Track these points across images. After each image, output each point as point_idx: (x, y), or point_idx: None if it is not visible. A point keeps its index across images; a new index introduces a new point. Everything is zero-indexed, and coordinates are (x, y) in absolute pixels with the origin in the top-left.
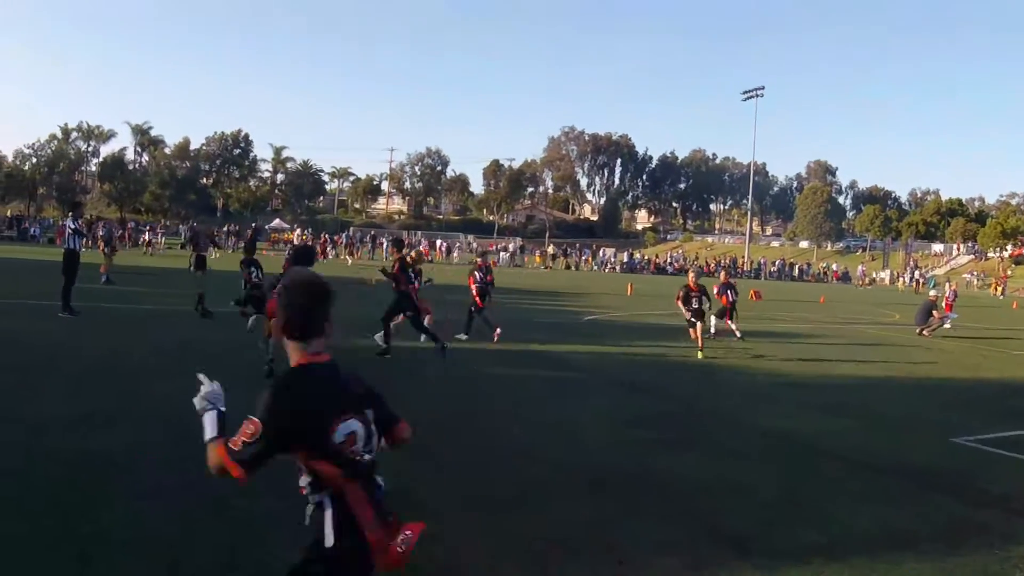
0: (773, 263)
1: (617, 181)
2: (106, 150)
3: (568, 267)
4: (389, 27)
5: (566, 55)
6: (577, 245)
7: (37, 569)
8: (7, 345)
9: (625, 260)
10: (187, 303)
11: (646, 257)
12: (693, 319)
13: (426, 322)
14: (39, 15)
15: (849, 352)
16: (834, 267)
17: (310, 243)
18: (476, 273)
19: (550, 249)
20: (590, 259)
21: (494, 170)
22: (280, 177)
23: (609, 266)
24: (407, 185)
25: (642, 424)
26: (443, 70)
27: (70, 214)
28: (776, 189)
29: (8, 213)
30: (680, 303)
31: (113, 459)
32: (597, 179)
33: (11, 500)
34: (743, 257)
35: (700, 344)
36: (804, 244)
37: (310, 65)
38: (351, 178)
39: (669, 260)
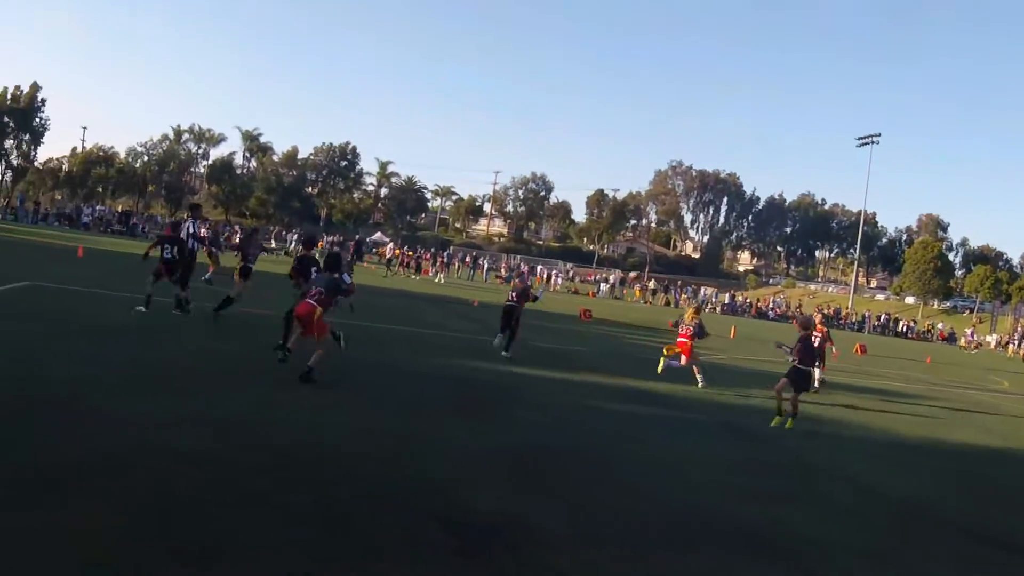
0: (877, 317)
1: (722, 220)
2: (216, 153)
3: (667, 303)
4: (503, 53)
5: (679, 89)
6: (679, 282)
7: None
8: (120, 336)
9: (726, 301)
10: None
11: (748, 300)
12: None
13: None
14: (154, 17)
15: (962, 417)
16: (940, 326)
17: (336, 249)
18: (512, 293)
19: (651, 284)
20: (690, 297)
21: (598, 199)
22: (384, 191)
23: (709, 306)
24: (509, 208)
25: (747, 471)
26: (553, 97)
27: (189, 217)
28: (884, 240)
29: (119, 208)
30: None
31: (212, 460)
32: (701, 216)
33: (113, 494)
34: (847, 308)
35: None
36: (910, 300)
37: (421, 83)
38: (454, 197)
39: (771, 305)
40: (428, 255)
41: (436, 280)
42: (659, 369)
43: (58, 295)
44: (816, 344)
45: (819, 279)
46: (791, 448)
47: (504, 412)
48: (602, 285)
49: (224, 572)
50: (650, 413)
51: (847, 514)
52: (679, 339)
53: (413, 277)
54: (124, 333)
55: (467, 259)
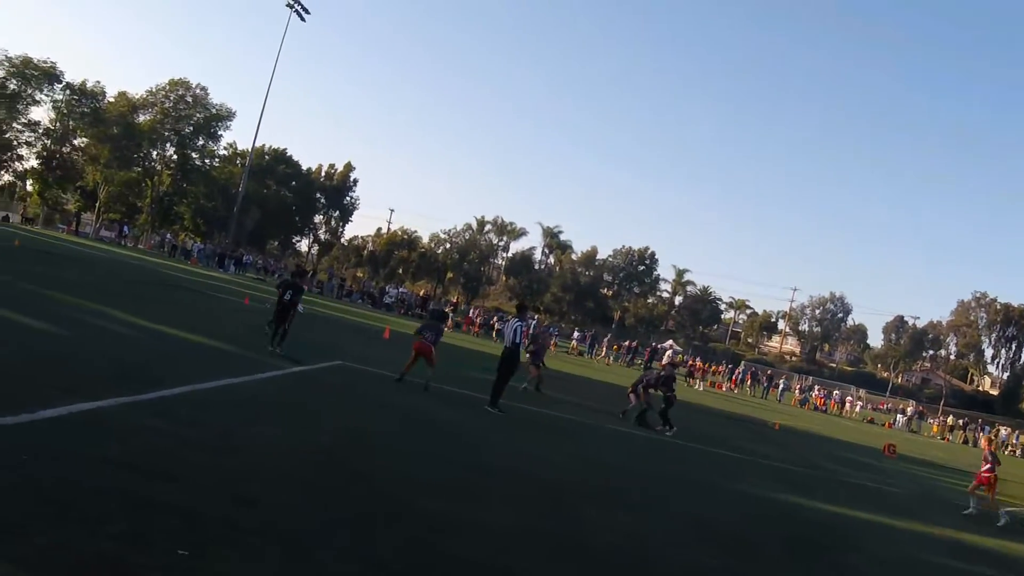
0: None
1: None
2: (516, 246)
3: (966, 441)
4: (805, 165)
5: (987, 218)
6: (979, 420)
7: None
8: (424, 427)
9: None
10: (605, 418)
11: None
12: None
13: None
14: (460, 116)
15: None
16: None
17: (446, 309)
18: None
19: (949, 420)
20: (991, 437)
21: (896, 326)
22: (678, 299)
23: (1009, 449)
24: (804, 327)
25: None
26: (856, 216)
27: (517, 317)
28: None
29: (421, 293)
30: None
31: None
32: (1003, 351)
33: None
34: None
35: None
36: None
37: (720, 195)
38: (748, 311)
39: None
40: (723, 369)
41: (733, 393)
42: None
43: (365, 377)
44: None
45: None
46: None
47: (841, 562)
48: (899, 416)
49: None
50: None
51: None
52: (982, 473)
53: (697, 387)
54: (452, 431)
55: (762, 377)
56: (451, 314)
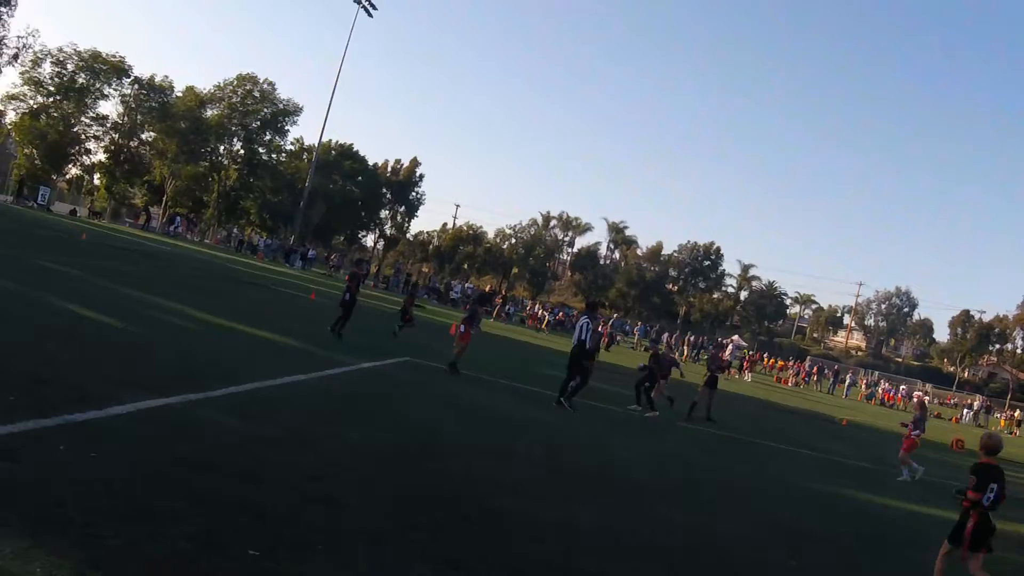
0: None
1: None
2: (581, 242)
3: None
4: (869, 167)
5: None
6: None
7: None
8: (500, 425)
9: None
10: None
11: None
12: None
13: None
14: (530, 112)
15: None
16: None
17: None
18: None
19: (1016, 413)
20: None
21: (962, 320)
22: (744, 294)
23: None
24: (870, 322)
25: None
26: (923, 210)
27: (585, 314)
28: None
29: (487, 288)
30: None
31: None
32: None
33: None
34: None
35: None
36: None
37: (783, 189)
38: (813, 306)
39: None
40: (789, 364)
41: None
42: None
43: (433, 373)
44: None
45: None
46: None
47: (915, 559)
48: (965, 411)
49: None
50: None
51: None
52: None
53: (747, 379)
54: (521, 425)
55: (828, 372)
56: (492, 295)
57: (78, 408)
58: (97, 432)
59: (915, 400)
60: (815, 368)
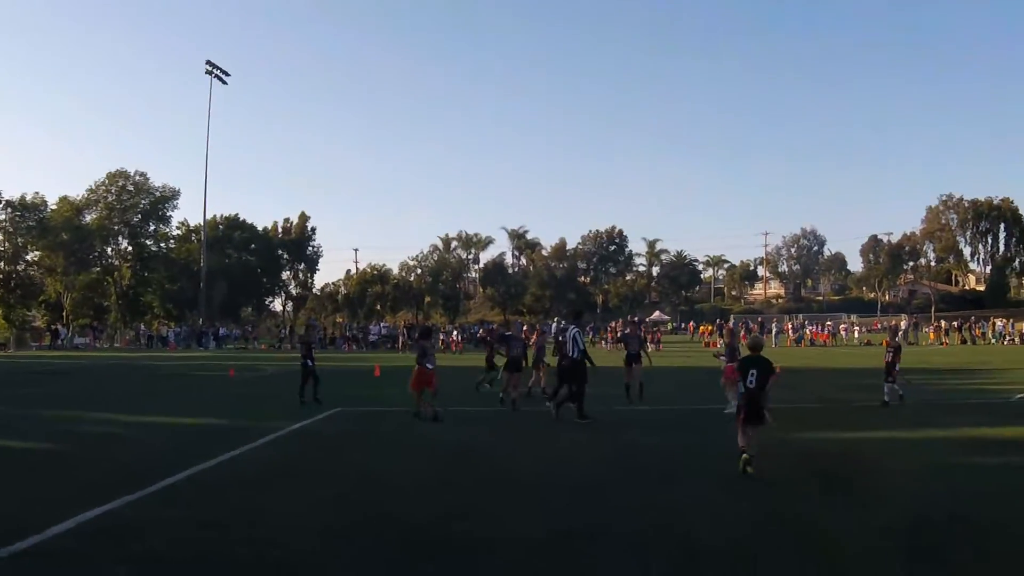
0: None
1: (1002, 247)
2: (485, 256)
3: (963, 341)
4: (748, 100)
5: (938, 116)
6: (972, 318)
7: None
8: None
9: None
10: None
11: None
12: None
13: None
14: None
15: None
16: None
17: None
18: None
19: (943, 323)
20: (985, 332)
21: (872, 246)
22: (655, 270)
23: (1008, 339)
24: (783, 268)
25: None
26: (812, 145)
27: (573, 323)
28: None
29: (401, 324)
30: None
31: None
32: (980, 247)
33: None
34: None
35: None
36: None
37: (676, 156)
38: (726, 265)
39: None
40: (713, 328)
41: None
42: None
43: (369, 418)
44: None
45: None
46: None
47: (875, 484)
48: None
49: None
50: (996, 464)
51: None
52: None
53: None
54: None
55: (752, 326)
56: (433, 328)
57: (19, 537)
58: (44, 552)
59: (724, 330)
60: (740, 325)
